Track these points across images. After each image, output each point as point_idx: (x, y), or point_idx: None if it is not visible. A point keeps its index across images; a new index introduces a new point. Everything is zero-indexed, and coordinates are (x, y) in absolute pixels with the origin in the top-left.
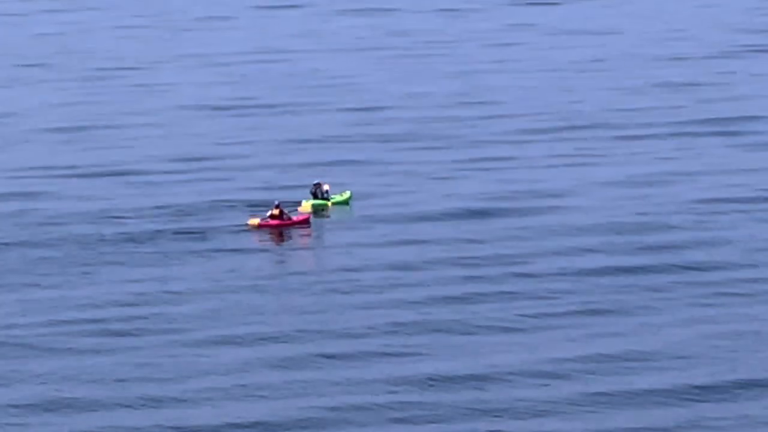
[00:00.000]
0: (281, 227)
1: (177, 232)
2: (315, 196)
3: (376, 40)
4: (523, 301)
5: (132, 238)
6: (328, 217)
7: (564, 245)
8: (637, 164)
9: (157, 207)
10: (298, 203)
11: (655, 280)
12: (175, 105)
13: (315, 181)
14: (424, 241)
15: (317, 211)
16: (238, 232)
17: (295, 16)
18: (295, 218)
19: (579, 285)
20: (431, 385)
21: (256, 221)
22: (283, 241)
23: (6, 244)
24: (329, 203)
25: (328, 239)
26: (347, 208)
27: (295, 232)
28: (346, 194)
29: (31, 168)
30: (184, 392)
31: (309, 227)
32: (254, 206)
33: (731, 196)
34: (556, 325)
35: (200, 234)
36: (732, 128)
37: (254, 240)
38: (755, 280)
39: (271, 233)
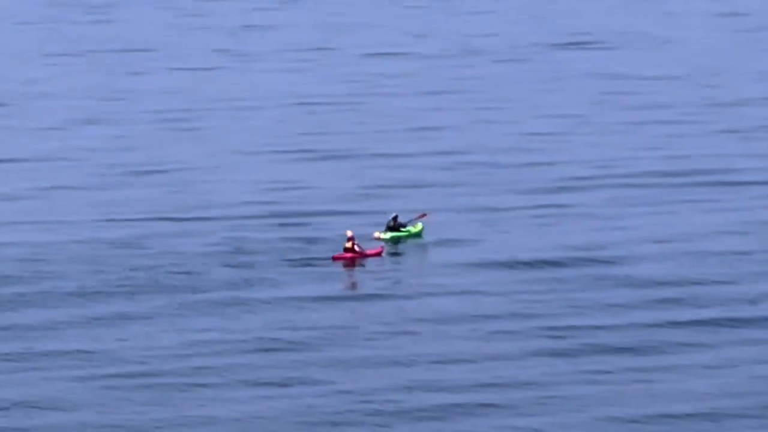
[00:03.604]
0: (355, 259)
1: (252, 261)
2: (391, 229)
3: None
4: (586, 356)
5: (200, 274)
6: (401, 253)
7: (633, 298)
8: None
9: (221, 242)
10: (372, 237)
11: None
12: (242, 149)
13: (392, 215)
14: (495, 288)
15: (395, 243)
16: (313, 265)
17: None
18: (369, 251)
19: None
20: None
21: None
22: (356, 271)
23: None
24: (407, 234)
25: (402, 273)
26: (420, 240)
27: (369, 263)
28: (419, 227)
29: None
30: None
31: (382, 259)
32: (330, 241)
33: None
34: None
35: (276, 263)
36: None
37: (329, 272)
38: None
39: (345, 264)
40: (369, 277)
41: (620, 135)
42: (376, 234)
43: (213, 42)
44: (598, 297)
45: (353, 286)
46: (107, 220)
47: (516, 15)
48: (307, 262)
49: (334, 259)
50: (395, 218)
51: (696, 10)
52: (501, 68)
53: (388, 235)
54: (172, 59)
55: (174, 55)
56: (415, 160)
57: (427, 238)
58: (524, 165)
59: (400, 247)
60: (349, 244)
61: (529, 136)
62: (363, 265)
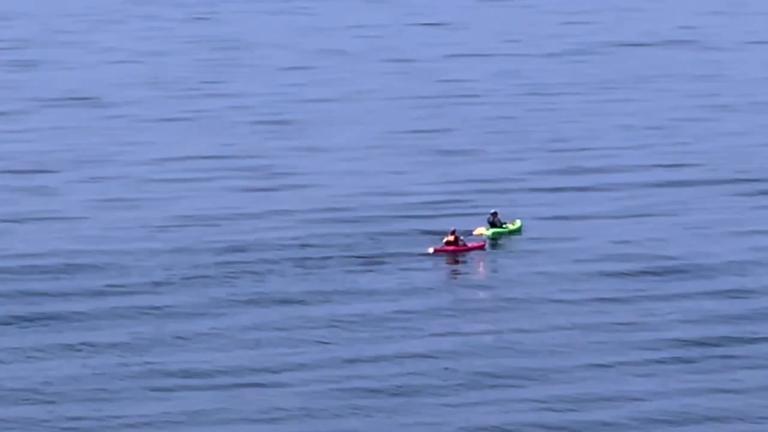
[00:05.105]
0: (457, 253)
1: (354, 258)
2: (492, 225)
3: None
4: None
5: (301, 265)
6: (501, 256)
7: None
8: None
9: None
10: (471, 232)
11: None
12: (344, 147)
13: (492, 210)
14: (595, 287)
15: (496, 239)
16: (415, 258)
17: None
18: (470, 245)
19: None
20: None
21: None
22: (458, 266)
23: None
24: (507, 231)
25: (502, 267)
26: (520, 236)
27: (471, 258)
28: (518, 223)
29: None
30: None
31: (484, 253)
32: (431, 234)
33: None
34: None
35: (378, 259)
36: None
37: (430, 265)
38: None
39: (446, 259)
40: (469, 278)
41: (727, 138)
42: (477, 231)
43: (311, 41)
44: (705, 306)
45: (455, 298)
46: (207, 221)
47: (615, 14)
48: (406, 261)
49: (435, 251)
50: (494, 214)
51: None
52: (603, 68)
53: (491, 231)
54: (272, 58)
55: (273, 54)
56: (515, 162)
57: (526, 238)
58: (627, 169)
59: (502, 248)
60: (451, 238)
61: (635, 138)
62: (464, 260)
